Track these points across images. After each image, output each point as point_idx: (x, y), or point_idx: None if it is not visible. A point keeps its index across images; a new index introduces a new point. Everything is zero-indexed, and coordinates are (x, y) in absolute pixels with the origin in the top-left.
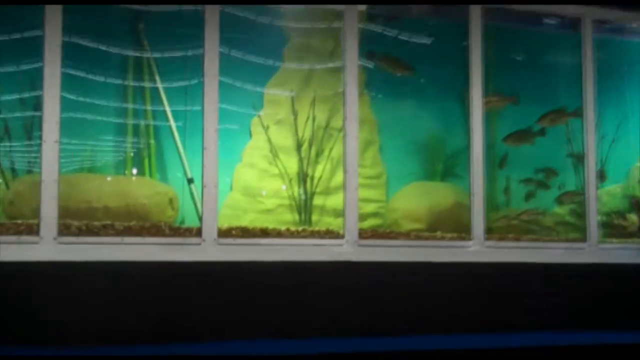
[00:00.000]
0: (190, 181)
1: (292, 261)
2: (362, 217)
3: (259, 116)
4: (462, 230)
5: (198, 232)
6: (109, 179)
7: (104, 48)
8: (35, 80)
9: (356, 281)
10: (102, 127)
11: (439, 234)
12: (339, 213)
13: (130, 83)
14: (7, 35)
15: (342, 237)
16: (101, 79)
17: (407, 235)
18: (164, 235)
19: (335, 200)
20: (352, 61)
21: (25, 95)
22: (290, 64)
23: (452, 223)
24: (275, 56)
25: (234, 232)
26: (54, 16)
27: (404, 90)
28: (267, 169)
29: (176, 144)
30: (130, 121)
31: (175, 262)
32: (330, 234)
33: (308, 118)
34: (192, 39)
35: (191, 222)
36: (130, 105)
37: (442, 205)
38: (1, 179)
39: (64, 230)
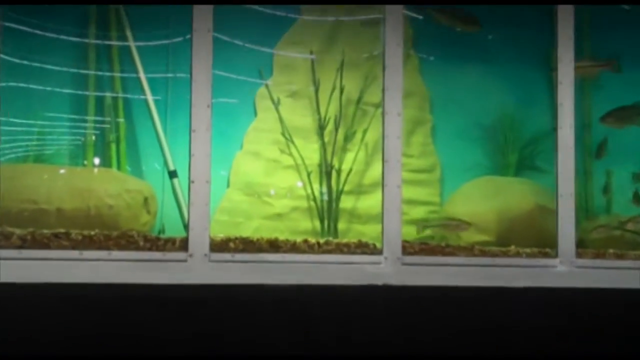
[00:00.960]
0: (172, 175)
1: (311, 285)
2: (408, 226)
3: (266, 87)
4: (545, 243)
5: (183, 245)
6: (62, 171)
7: None
8: None
9: (399, 313)
10: (53, 101)
11: (512, 248)
12: (376, 219)
13: (92, 40)
14: None
15: (380, 252)
16: (52, 34)
17: (469, 250)
18: (137, 248)
19: (370, 202)
20: (394, 12)
21: None
22: (310, 15)
23: (531, 234)
24: (289, 5)
25: (231, 244)
26: None
27: (467, 53)
28: (278, 158)
29: (154, 124)
30: (92, 92)
31: (151, 285)
32: (363, 248)
33: (334, 89)
34: None
35: (174, 230)
36: (91, 72)
37: (517, 209)
38: None
39: (2, 241)
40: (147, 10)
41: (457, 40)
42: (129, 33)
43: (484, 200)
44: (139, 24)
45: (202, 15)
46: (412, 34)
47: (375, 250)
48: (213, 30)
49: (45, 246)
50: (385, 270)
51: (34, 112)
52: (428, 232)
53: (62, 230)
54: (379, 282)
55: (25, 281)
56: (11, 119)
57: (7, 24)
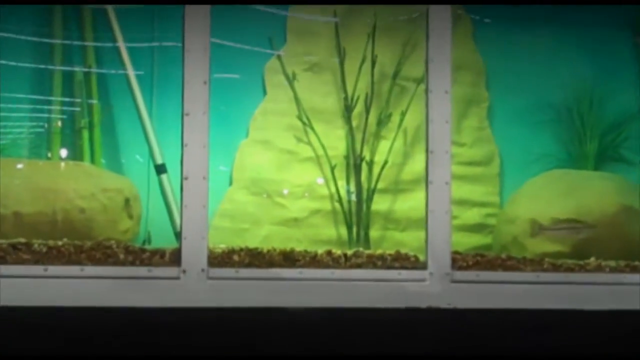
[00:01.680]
0: (160, 170)
1: (337, 308)
2: (459, 233)
3: (278, 58)
4: (634, 255)
5: (175, 258)
6: (20, 166)
7: None
8: None
9: (447, 342)
10: (9, 77)
11: (592, 261)
12: (418, 225)
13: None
14: None
15: (424, 266)
16: None
17: (537, 263)
18: (116, 262)
19: (410, 203)
20: None
21: None
22: None
23: (616, 243)
24: None
25: (235, 257)
26: None
27: (532, 14)
28: (293, 148)
29: (136, 106)
30: (58, 66)
31: (134, 308)
32: (402, 261)
33: (364, 60)
34: None
35: (162, 240)
36: (57, 40)
37: (598, 211)
38: None
39: None
40: None
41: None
42: None
43: (555, 200)
44: None
45: None
46: None
47: (417, 264)
48: None
49: (1, 260)
50: (431, 290)
51: None
52: (484, 240)
53: (22, 240)
54: (423, 305)
55: None
56: None
57: None
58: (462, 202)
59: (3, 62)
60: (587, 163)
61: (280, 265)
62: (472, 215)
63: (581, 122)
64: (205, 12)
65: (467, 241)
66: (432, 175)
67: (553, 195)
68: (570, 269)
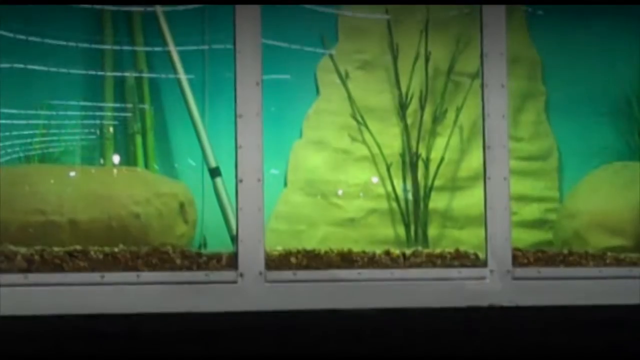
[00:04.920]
0: (214, 173)
1: (396, 309)
2: (519, 229)
3: (331, 56)
4: None
5: (231, 262)
6: (73, 173)
7: None
8: None
9: (510, 341)
10: (62, 85)
11: None
12: (476, 222)
13: (109, 5)
14: None
15: (484, 264)
16: None
17: (599, 258)
18: (174, 267)
19: (468, 200)
20: None
21: None
22: None
23: None
24: None
25: (293, 259)
26: None
27: (588, 7)
28: (348, 148)
29: (189, 109)
30: (109, 72)
31: (192, 313)
32: (462, 259)
33: (417, 57)
34: None
35: (218, 243)
36: (108, 46)
37: None
38: None
39: (3, 263)
40: None
41: None
42: None
43: (616, 193)
44: None
45: None
46: None
47: (477, 262)
48: None
49: (58, 268)
50: (493, 287)
51: (37, 99)
52: (545, 235)
53: (78, 248)
54: (484, 303)
55: (33, 313)
56: (10, 110)
57: None
58: (521, 198)
59: (54, 69)
60: None
61: (338, 267)
62: (531, 211)
63: None
64: (256, 13)
65: (527, 237)
66: (490, 171)
67: (614, 189)
68: (633, 263)
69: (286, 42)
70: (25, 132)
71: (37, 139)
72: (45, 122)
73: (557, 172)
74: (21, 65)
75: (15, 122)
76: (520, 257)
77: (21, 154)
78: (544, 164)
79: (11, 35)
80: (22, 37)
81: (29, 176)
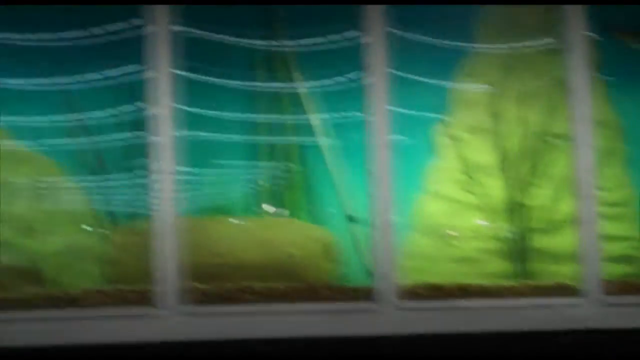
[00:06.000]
0: (351, 220)
1: (506, 332)
2: (607, 264)
3: (445, 123)
4: None
5: (369, 293)
6: (241, 222)
7: (227, 40)
8: (134, 89)
9: (601, 353)
10: (228, 150)
11: None
12: (570, 258)
13: (264, 85)
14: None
15: (579, 293)
16: (224, 81)
17: None
18: (324, 298)
19: (562, 240)
20: (577, 34)
21: (122, 109)
22: (485, 45)
23: None
24: (464, 36)
25: (420, 291)
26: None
27: None
28: (461, 198)
29: (329, 167)
30: (265, 137)
31: (338, 337)
32: (560, 289)
33: (515, 122)
34: (346, 19)
35: (358, 278)
36: (262, 115)
37: None
38: (97, 228)
39: (187, 296)
40: (317, 51)
41: None
42: (299, 75)
43: None
44: (308, 67)
45: (376, 50)
46: (596, 57)
47: (574, 292)
48: (386, 66)
49: (231, 300)
50: (588, 312)
51: (211, 163)
52: (629, 268)
53: (246, 284)
54: (581, 326)
55: (210, 338)
56: (193, 170)
57: (176, 71)
58: (608, 237)
59: (217, 135)
60: None
61: (457, 296)
62: (617, 248)
63: None
64: (383, 85)
65: (615, 270)
66: (582, 215)
67: None
68: None
69: (409, 109)
70: (201, 188)
71: (211, 195)
72: (216, 181)
73: (636, 216)
74: (199, 134)
75: (193, 179)
76: (610, 287)
77: (198, 206)
78: (625, 209)
79: (190, 109)
80: (198, 109)
81: (207, 225)
